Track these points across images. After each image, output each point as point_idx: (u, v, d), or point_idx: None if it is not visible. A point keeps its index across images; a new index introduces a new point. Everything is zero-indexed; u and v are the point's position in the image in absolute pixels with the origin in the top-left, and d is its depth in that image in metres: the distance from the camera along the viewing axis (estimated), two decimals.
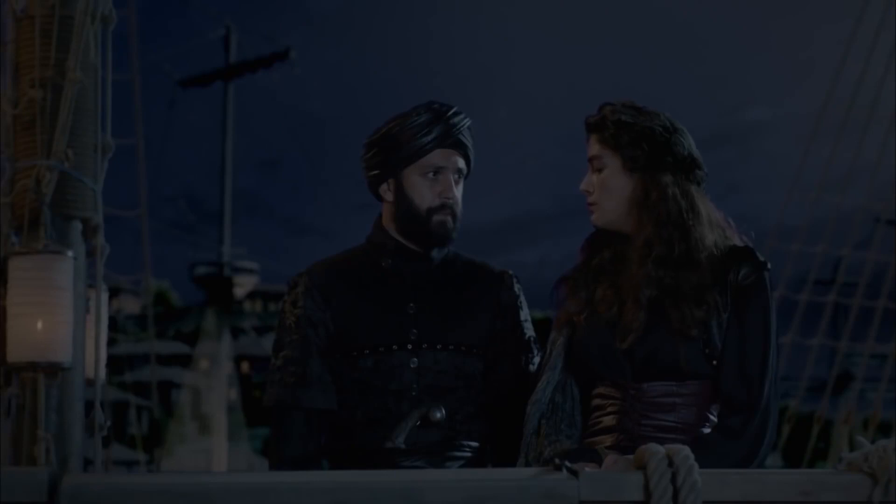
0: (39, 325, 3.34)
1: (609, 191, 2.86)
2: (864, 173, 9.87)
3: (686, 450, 2.07)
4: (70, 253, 3.43)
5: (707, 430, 2.77)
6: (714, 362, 2.75)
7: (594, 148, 2.89)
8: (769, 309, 2.80)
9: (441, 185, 3.16)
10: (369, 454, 3.08)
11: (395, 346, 3.12)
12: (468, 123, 3.21)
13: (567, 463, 2.09)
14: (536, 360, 3.21)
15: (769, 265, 2.82)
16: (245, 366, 56.34)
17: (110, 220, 4.02)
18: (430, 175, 3.16)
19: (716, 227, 2.85)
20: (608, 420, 2.81)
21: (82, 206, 3.54)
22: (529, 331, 3.26)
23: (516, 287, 3.28)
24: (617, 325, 2.82)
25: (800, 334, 10.02)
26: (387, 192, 3.22)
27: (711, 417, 2.80)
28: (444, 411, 3.06)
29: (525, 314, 3.28)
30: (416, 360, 3.11)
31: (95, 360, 3.52)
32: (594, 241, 2.96)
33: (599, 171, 2.88)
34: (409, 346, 3.12)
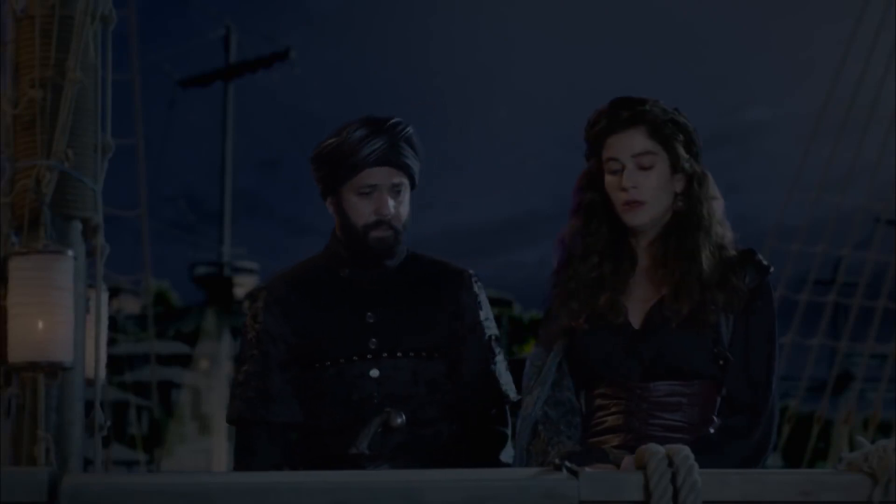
0: (39, 325, 3.34)
1: (662, 191, 2.80)
2: (864, 173, 9.88)
3: (686, 450, 2.07)
4: (70, 253, 3.43)
5: (711, 430, 2.77)
6: (720, 362, 2.76)
7: (643, 143, 2.80)
8: (773, 311, 2.82)
9: (376, 202, 3.15)
10: (336, 461, 3.10)
11: (355, 357, 3.13)
12: (408, 133, 3.19)
13: (567, 463, 2.09)
14: (499, 358, 3.23)
15: (771, 268, 2.84)
16: None
17: (110, 220, 4.01)
18: (366, 192, 3.16)
19: (726, 227, 2.86)
20: (613, 420, 2.79)
21: (82, 206, 3.54)
22: (490, 330, 3.26)
23: (476, 286, 3.27)
24: (624, 327, 2.80)
25: (800, 334, 10.02)
26: (330, 207, 3.25)
27: (714, 417, 2.80)
28: (404, 417, 3.08)
29: (486, 313, 3.27)
30: (376, 369, 3.13)
31: (95, 360, 3.52)
32: (588, 247, 2.89)
33: (648, 168, 2.80)
34: (370, 356, 3.13)
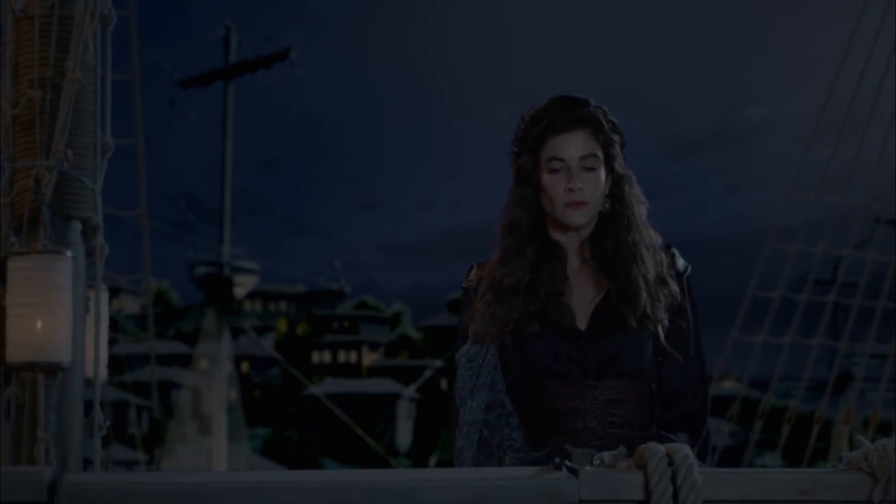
0: (39, 325, 3.34)
1: (600, 191, 2.84)
2: (864, 173, 9.88)
3: (686, 449, 2.07)
4: (69, 253, 3.43)
5: (654, 425, 2.81)
6: (659, 360, 2.81)
7: (588, 145, 2.82)
8: (696, 305, 2.89)
9: None
10: None
11: None
12: None
13: (567, 462, 2.08)
14: None
15: (689, 266, 2.90)
16: (245, 366, 56.38)
17: (110, 220, 4.02)
18: None
19: (653, 230, 2.90)
20: (568, 420, 2.78)
21: (82, 206, 3.54)
22: None
23: None
24: (573, 329, 2.80)
25: (800, 334, 10.03)
26: None
27: (653, 412, 2.84)
28: None
29: None
30: None
31: (95, 360, 3.52)
32: (524, 244, 2.87)
33: (591, 169, 2.82)
34: None
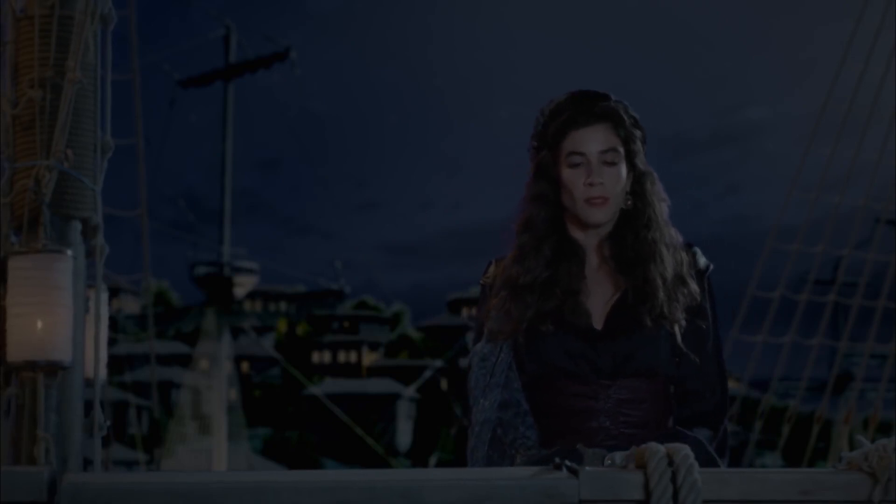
0: (39, 324, 3.34)
1: (621, 187, 2.80)
2: (864, 173, 9.89)
3: (686, 449, 2.07)
4: (69, 253, 3.43)
5: (671, 424, 2.79)
6: (676, 360, 2.79)
7: (609, 139, 2.78)
8: (715, 304, 2.87)
9: None
10: None
11: None
12: None
13: (567, 462, 2.08)
14: None
15: (711, 266, 2.87)
16: (245, 366, 56.40)
17: (110, 220, 4.02)
18: None
19: (674, 229, 2.87)
20: (581, 419, 2.77)
21: (82, 206, 3.54)
22: None
23: None
24: (589, 328, 2.78)
25: (800, 334, 10.03)
26: None
27: (669, 412, 2.82)
28: None
29: None
30: None
31: (95, 360, 3.52)
32: (542, 241, 2.86)
33: (612, 164, 2.78)
34: None
